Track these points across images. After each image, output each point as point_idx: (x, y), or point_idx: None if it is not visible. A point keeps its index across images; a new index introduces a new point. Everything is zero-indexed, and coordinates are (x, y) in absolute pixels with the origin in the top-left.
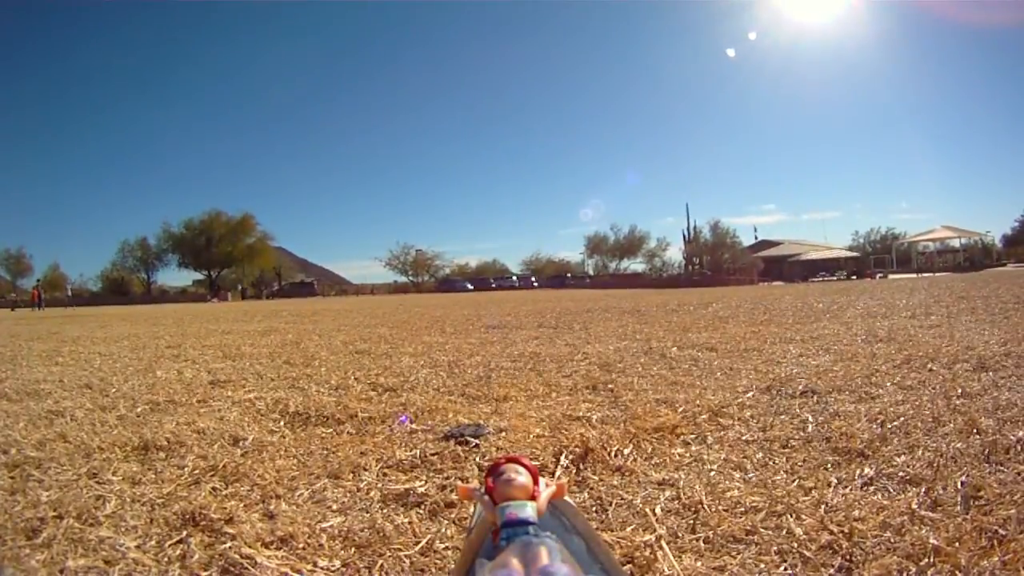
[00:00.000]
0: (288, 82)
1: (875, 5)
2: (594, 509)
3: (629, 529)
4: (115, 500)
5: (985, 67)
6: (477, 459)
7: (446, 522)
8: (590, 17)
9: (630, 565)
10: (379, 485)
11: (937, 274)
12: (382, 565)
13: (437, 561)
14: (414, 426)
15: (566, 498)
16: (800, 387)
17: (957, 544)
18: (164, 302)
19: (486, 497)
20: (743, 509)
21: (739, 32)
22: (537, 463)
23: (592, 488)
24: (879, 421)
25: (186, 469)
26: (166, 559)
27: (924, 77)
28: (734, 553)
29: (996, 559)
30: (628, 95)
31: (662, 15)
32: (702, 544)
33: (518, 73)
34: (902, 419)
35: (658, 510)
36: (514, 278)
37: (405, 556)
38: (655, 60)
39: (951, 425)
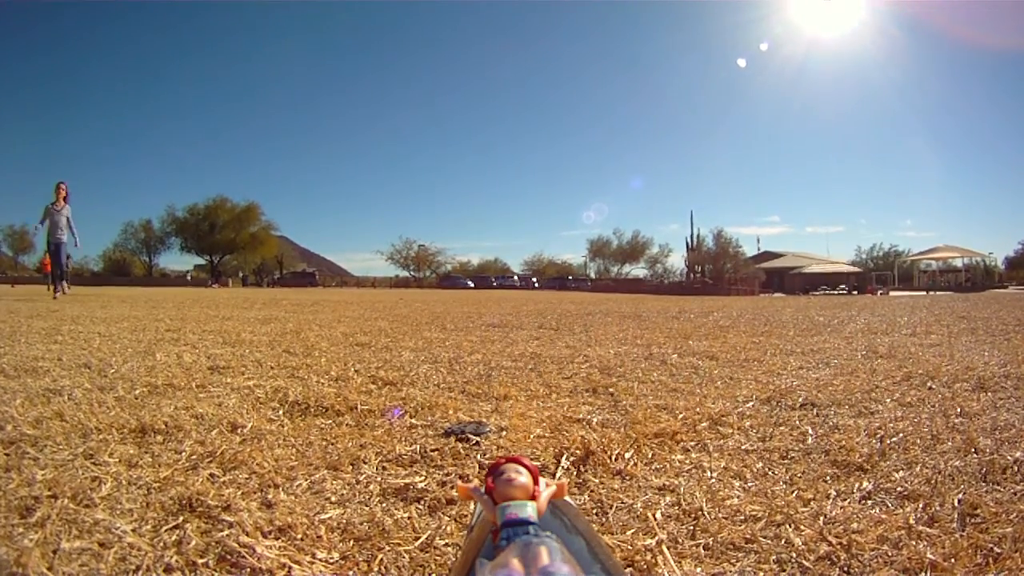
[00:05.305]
0: (298, 74)
1: (887, 23)
2: (595, 512)
3: (629, 533)
4: (111, 482)
5: (995, 89)
6: (478, 457)
7: (446, 518)
8: (601, 21)
9: (630, 569)
10: (378, 479)
11: (938, 293)
12: (381, 559)
13: (437, 557)
14: (413, 420)
15: (566, 498)
16: (800, 399)
17: (953, 560)
18: (164, 285)
19: (486, 496)
20: (743, 517)
21: (751, 43)
22: (538, 463)
23: (592, 491)
24: (878, 436)
25: (184, 454)
26: (162, 544)
27: (933, 97)
28: (733, 560)
29: None
30: (637, 100)
31: (675, 22)
32: (702, 550)
33: (528, 74)
34: (901, 435)
35: (658, 515)
36: (515, 278)
37: (404, 551)
38: (666, 66)
39: (949, 443)
